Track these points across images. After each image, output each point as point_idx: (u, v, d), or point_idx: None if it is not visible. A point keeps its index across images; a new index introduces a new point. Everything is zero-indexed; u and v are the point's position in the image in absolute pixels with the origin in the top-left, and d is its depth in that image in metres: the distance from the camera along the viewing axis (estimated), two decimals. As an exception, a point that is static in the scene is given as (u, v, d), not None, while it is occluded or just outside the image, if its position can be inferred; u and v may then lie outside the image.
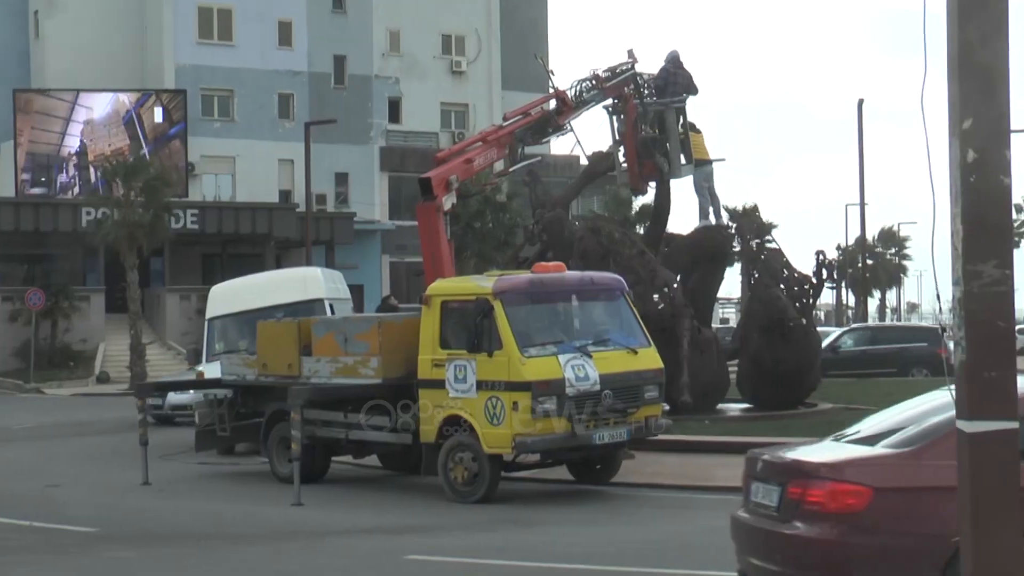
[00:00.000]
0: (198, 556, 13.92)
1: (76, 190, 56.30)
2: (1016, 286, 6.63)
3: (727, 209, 37.56)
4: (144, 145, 56.51)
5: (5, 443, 27.29)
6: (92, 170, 55.86)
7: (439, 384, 17.64)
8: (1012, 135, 6.43)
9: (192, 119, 57.61)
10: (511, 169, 25.98)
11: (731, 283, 64.75)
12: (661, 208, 28.17)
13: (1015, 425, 6.33)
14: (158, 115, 57.24)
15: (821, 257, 27.26)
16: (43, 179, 56.63)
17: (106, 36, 58.51)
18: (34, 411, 36.86)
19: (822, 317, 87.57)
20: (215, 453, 23.03)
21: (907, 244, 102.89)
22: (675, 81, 26.73)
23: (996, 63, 6.28)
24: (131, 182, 46.02)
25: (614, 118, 26.96)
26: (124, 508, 17.60)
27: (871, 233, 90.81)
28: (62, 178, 56.93)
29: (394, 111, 62.87)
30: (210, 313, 27.60)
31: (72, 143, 56.96)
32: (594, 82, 26.17)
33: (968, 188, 6.25)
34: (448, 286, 18.81)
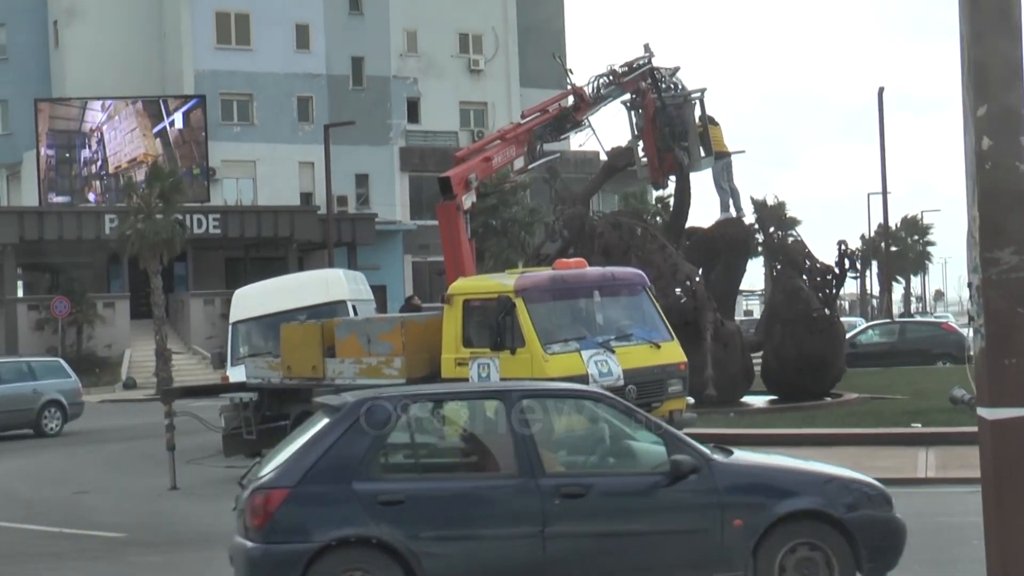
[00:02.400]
0: (226, 560, 13.93)
1: (96, 191, 56.45)
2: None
3: (752, 200, 37.50)
4: (162, 150, 56.65)
5: (34, 450, 27.43)
6: (112, 178, 55.96)
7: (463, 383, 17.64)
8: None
9: (212, 124, 57.75)
10: (530, 166, 26.00)
11: (754, 275, 64.70)
12: (682, 202, 28.16)
13: (1035, 412, 6.31)
14: (179, 121, 57.37)
15: (843, 247, 27.20)
16: (66, 188, 56.85)
17: (125, 44, 58.69)
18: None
19: (846, 307, 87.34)
20: (242, 457, 23.07)
21: (931, 231, 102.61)
22: None
23: (1009, 52, 6.27)
24: (151, 189, 46.22)
25: (632, 113, 26.96)
26: (152, 513, 17.65)
27: (894, 222, 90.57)
28: (86, 188, 57.13)
29: (413, 111, 62.88)
30: (234, 317, 27.70)
31: (93, 152, 57.11)
32: (611, 77, 26.19)
33: (984, 175, 6.24)
34: (470, 285, 18.82)
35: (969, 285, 6.72)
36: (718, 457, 9.92)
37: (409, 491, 9.54)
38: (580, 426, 10.38)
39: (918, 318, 61.10)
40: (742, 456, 10.26)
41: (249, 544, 9.49)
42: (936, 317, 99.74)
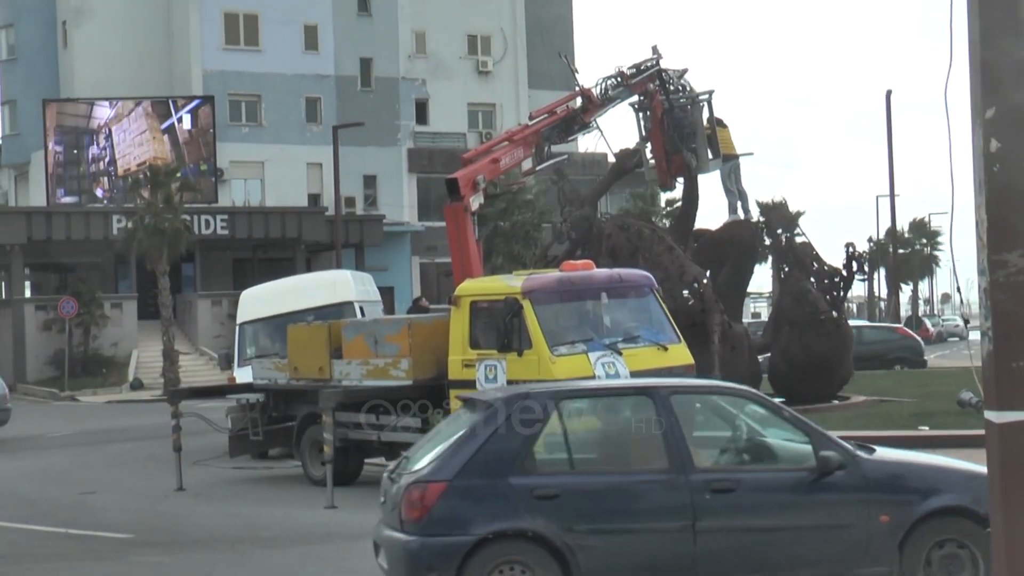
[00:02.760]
0: (233, 560, 13.96)
1: (104, 187, 56.52)
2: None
3: (757, 203, 37.44)
4: (171, 151, 56.71)
5: (41, 451, 27.46)
6: (121, 180, 56.01)
7: (470, 384, 17.61)
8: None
9: (220, 125, 57.79)
10: (538, 168, 25.99)
11: (762, 277, 64.62)
12: (689, 204, 28.13)
13: (1043, 415, 6.28)
14: (187, 121, 57.42)
15: (851, 250, 27.21)
16: (74, 187, 56.93)
17: (133, 44, 58.75)
18: (69, 419, 37.05)
19: (854, 310, 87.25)
20: (249, 458, 23.10)
21: (939, 235, 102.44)
22: None
23: (1019, 51, 6.24)
24: (156, 191, 46.31)
25: (640, 115, 26.93)
26: (159, 514, 17.67)
27: (902, 225, 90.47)
28: (95, 187, 57.20)
29: (421, 112, 62.91)
30: (241, 318, 27.67)
31: (100, 149, 57.17)
32: (619, 79, 26.17)
33: (991, 177, 6.21)
34: (477, 286, 18.81)
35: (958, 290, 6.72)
36: (862, 454, 10.13)
37: (563, 485, 9.81)
38: (727, 422, 10.60)
39: (873, 323, 60.94)
40: (885, 453, 10.49)
41: (406, 537, 9.68)
42: (945, 319, 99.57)
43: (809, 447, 10.03)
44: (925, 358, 44.25)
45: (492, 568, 9.49)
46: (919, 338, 46.28)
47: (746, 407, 10.49)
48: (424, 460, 10.02)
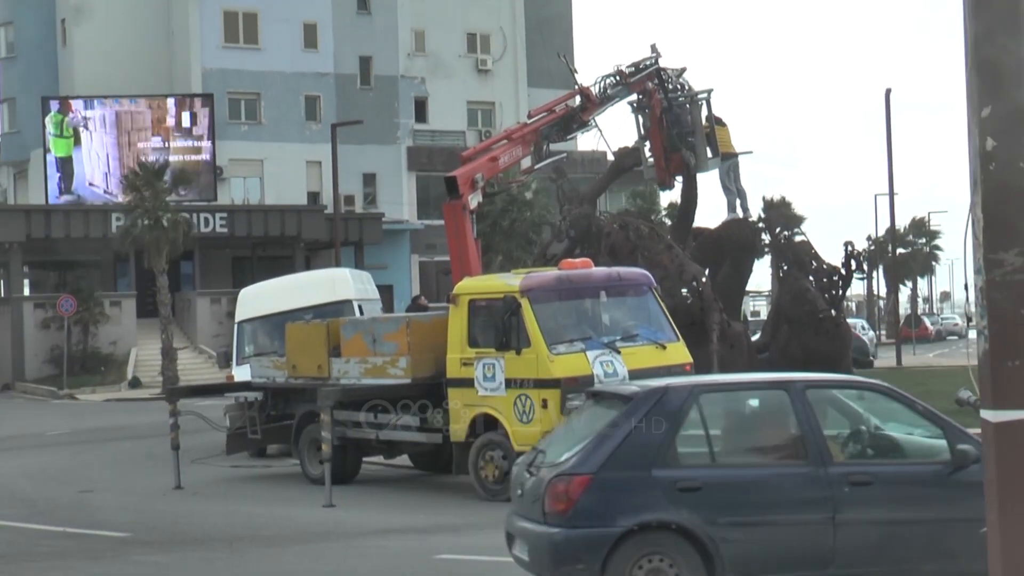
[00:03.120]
0: (231, 559, 13.97)
1: (104, 187, 56.46)
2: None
3: (762, 199, 37.50)
4: (168, 147, 56.70)
5: (39, 449, 27.46)
6: (122, 179, 55.97)
7: (468, 383, 17.65)
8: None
9: (220, 123, 57.78)
10: (537, 166, 25.99)
11: (761, 276, 64.60)
12: (688, 202, 28.13)
13: (1040, 414, 6.28)
14: (186, 120, 57.41)
15: (850, 248, 27.22)
16: (73, 185, 56.86)
17: (133, 42, 58.73)
18: (67, 417, 37.06)
19: (853, 308, 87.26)
20: (247, 456, 23.10)
21: (938, 234, 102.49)
22: None
23: (1014, 50, 6.23)
24: (154, 185, 46.32)
25: (639, 113, 26.94)
26: (157, 512, 17.67)
27: (902, 223, 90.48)
28: (92, 183, 57.14)
29: (420, 111, 62.90)
30: (240, 316, 27.66)
31: (100, 149, 57.13)
32: (618, 78, 26.17)
33: (988, 176, 6.20)
34: (475, 284, 18.81)
35: (965, 287, 6.72)
36: None
37: (705, 478, 9.94)
38: (861, 416, 10.70)
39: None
40: None
41: (551, 529, 9.81)
42: (944, 318, 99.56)
43: (943, 441, 10.16)
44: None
45: (636, 560, 9.63)
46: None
47: (880, 401, 10.62)
48: (564, 453, 10.14)
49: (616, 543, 9.61)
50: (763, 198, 35.55)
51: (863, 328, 49.47)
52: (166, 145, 56.97)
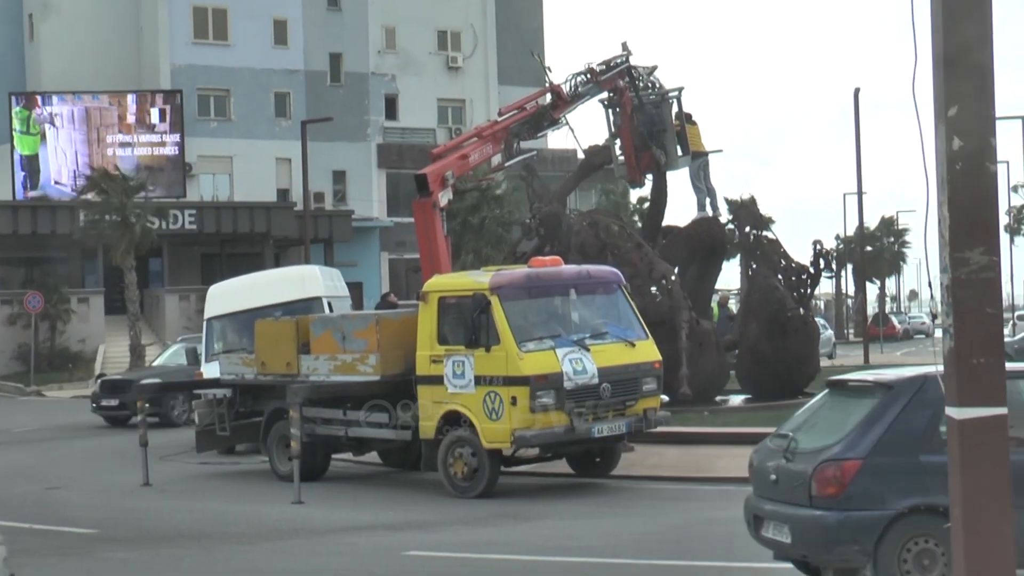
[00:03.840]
0: (199, 556, 13.94)
1: (70, 184, 56.16)
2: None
3: (725, 200, 37.50)
4: (135, 142, 56.45)
5: (6, 446, 27.30)
6: (87, 178, 55.67)
7: (438, 380, 17.66)
8: (997, 122, 6.44)
9: (189, 119, 57.58)
10: (507, 164, 26.00)
11: (730, 274, 64.74)
12: (658, 200, 28.20)
13: (1004, 411, 6.36)
14: (154, 116, 57.18)
15: (818, 247, 27.35)
16: (39, 182, 56.52)
17: (101, 38, 58.46)
18: (35, 414, 36.86)
19: (821, 307, 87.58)
20: (216, 453, 23.04)
21: (907, 232, 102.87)
22: None
23: (981, 51, 6.29)
24: (120, 187, 46.17)
25: (609, 111, 26.98)
26: (125, 509, 17.61)
27: (871, 222, 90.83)
28: (58, 182, 56.82)
29: (391, 108, 62.82)
30: (208, 313, 27.56)
31: (67, 146, 56.83)
32: (589, 76, 26.19)
33: (954, 176, 6.27)
34: (445, 282, 18.82)
35: (929, 285, 6.78)
36: None
37: None
38: None
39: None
40: None
41: (820, 512, 10.13)
42: (912, 317, 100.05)
43: None
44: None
45: (904, 542, 9.95)
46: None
47: None
48: (824, 440, 10.43)
49: (888, 525, 9.95)
50: (725, 199, 35.74)
51: (823, 327, 49.70)
52: (134, 141, 56.72)
